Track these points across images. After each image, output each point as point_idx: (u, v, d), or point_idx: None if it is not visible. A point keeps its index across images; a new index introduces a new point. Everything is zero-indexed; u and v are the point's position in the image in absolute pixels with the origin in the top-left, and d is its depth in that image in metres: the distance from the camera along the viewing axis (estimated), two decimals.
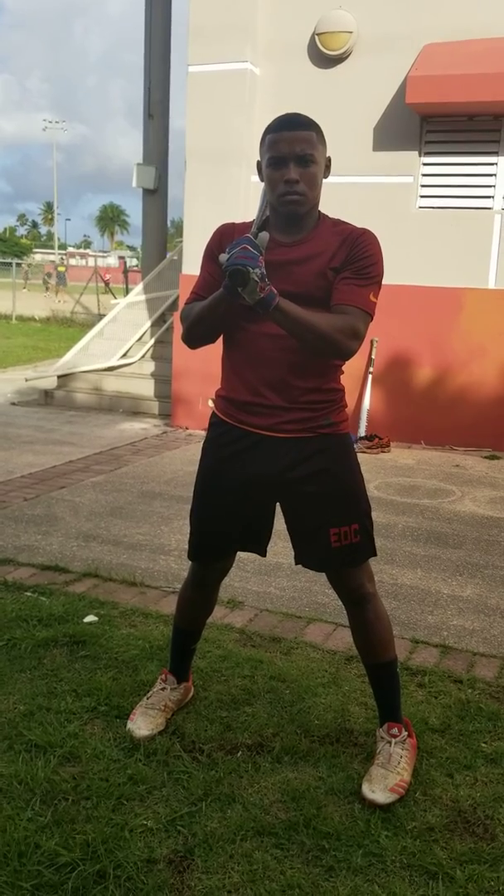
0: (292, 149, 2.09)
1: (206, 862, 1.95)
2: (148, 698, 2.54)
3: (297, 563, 2.37)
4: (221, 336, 2.29)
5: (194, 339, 2.29)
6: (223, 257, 1.97)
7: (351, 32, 6.90)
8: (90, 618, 3.26)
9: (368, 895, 1.87)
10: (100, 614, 3.31)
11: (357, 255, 2.12)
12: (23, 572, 3.78)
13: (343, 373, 2.31)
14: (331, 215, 2.26)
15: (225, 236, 2.24)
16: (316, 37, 7.02)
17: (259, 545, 2.42)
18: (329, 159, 2.21)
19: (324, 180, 2.21)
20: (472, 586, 3.88)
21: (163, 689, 2.55)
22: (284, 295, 2.03)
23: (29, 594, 3.50)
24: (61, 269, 34.38)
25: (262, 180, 2.20)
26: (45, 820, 2.06)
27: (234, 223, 2.30)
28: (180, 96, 7.58)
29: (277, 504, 2.35)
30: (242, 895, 1.86)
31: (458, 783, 2.29)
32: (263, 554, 2.44)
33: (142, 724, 2.45)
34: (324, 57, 7.07)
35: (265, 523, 2.38)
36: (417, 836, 2.07)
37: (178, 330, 2.36)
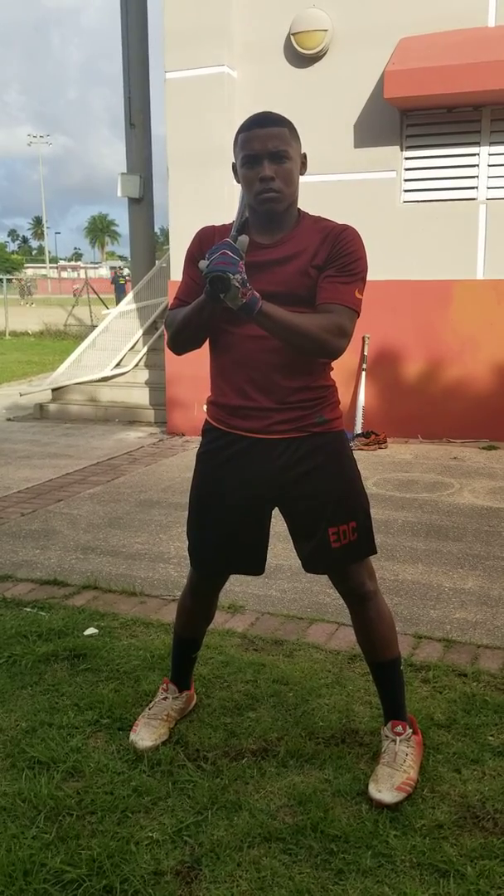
0: (265, 146, 2.07)
1: (214, 871, 1.93)
2: (150, 709, 2.52)
3: (306, 571, 2.34)
4: (207, 341, 2.28)
5: (179, 344, 2.27)
6: (203, 264, 1.96)
7: (326, 30, 6.90)
8: (90, 630, 3.24)
9: None
10: (100, 626, 3.29)
11: (339, 252, 2.11)
12: (21, 588, 3.77)
13: (332, 369, 2.29)
14: (316, 214, 2.24)
15: (205, 240, 2.22)
16: (291, 37, 7.02)
17: (256, 561, 2.36)
18: (304, 156, 2.19)
19: (303, 178, 2.19)
20: (473, 578, 3.86)
21: (164, 698, 2.53)
22: (268, 295, 2.01)
23: (28, 609, 3.48)
24: (122, 281, 25.28)
25: (237, 182, 2.19)
26: (49, 837, 2.04)
27: (214, 226, 2.29)
28: (161, 104, 7.59)
29: (273, 516, 2.32)
30: None
31: (466, 778, 2.27)
32: (261, 572, 2.38)
33: (145, 734, 2.43)
34: (300, 56, 7.07)
35: (262, 531, 2.34)
36: (426, 833, 2.05)
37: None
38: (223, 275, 1.90)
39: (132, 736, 2.44)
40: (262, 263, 2.10)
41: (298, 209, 2.21)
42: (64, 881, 1.89)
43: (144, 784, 2.24)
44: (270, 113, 2.14)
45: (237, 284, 1.91)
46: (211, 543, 2.36)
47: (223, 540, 2.33)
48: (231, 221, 2.23)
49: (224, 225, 2.26)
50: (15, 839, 2.03)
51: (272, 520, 2.34)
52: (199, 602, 2.48)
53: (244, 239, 2.01)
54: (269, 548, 2.40)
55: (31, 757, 2.37)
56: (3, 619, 3.37)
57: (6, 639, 3.15)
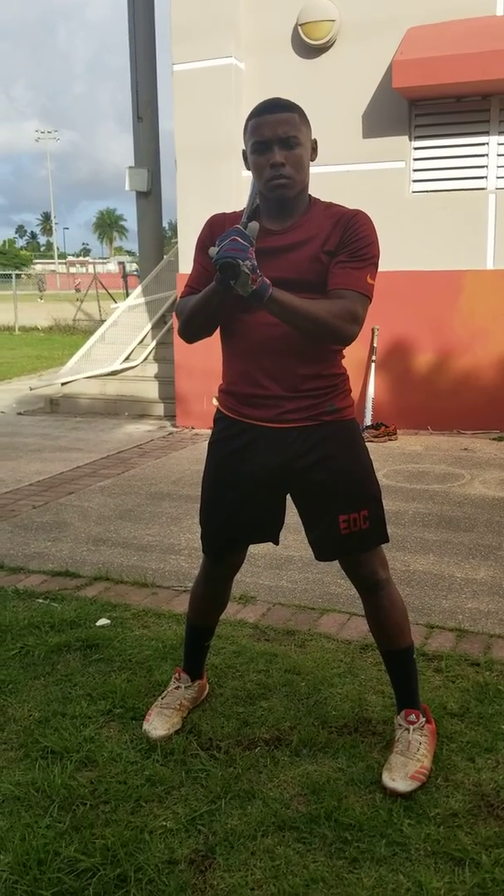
0: (275, 132, 2.06)
1: (228, 860, 1.93)
2: (163, 698, 2.52)
3: (317, 559, 2.34)
4: (219, 329, 2.27)
5: (190, 332, 2.26)
6: (213, 250, 1.95)
7: (333, 21, 6.86)
8: (102, 621, 3.24)
9: (393, 885, 1.84)
10: (112, 617, 3.29)
11: (351, 237, 2.09)
12: (34, 579, 3.77)
13: (344, 356, 2.27)
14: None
15: (215, 227, 2.21)
16: (299, 27, 6.98)
17: (271, 535, 2.39)
18: (315, 141, 2.18)
19: (311, 169, 2.17)
20: (485, 568, 3.85)
21: (177, 687, 2.53)
22: (280, 282, 2.00)
23: (41, 601, 3.48)
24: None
25: (248, 168, 2.17)
26: (63, 826, 2.04)
27: (224, 213, 2.28)
28: (169, 97, 7.59)
29: (288, 495, 2.32)
30: (265, 892, 1.83)
31: (480, 767, 2.26)
32: (276, 542, 2.41)
33: (158, 724, 2.43)
34: (308, 47, 7.03)
35: (276, 514, 2.34)
36: (441, 822, 2.04)
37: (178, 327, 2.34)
38: (233, 261, 1.89)
39: (145, 725, 2.44)
40: (272, 250, 2.09)
41: (309, 195, 2.20)
42: (78, 870, 1.89)
43: (158, 773, 2.24)
44: (280, 99, 2.12)
45: (247, 271, 1.90)
46: (223, 531, 2.36)
47: (236, 528, 2.34)
48: (242, 209, 2.21)
49: (235, 212, 2.25)
50: (29, 828, 2.03)
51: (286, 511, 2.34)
52: (212, 589, 2.48)
53: (254, 225, 2.00)
54: (280, 539, 2.40)
55: (44, 747, 2.38)
56: (15, 610, 3.37)
57: (19, 630, 3.16)
